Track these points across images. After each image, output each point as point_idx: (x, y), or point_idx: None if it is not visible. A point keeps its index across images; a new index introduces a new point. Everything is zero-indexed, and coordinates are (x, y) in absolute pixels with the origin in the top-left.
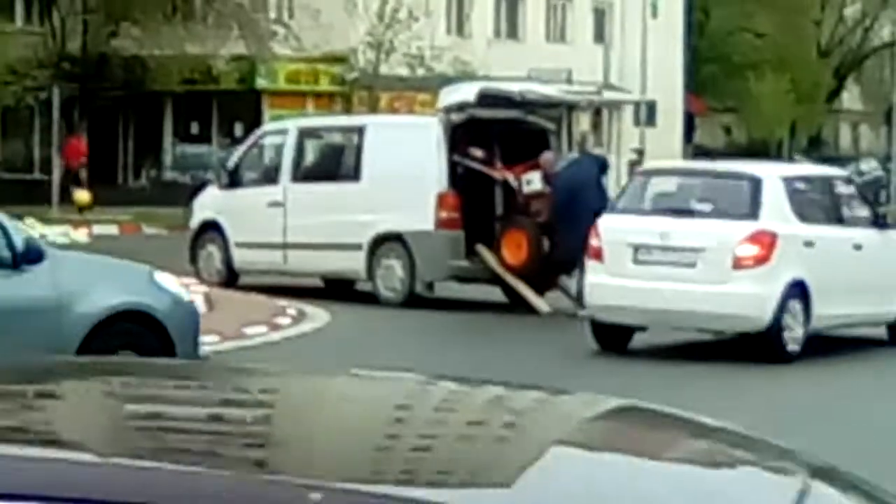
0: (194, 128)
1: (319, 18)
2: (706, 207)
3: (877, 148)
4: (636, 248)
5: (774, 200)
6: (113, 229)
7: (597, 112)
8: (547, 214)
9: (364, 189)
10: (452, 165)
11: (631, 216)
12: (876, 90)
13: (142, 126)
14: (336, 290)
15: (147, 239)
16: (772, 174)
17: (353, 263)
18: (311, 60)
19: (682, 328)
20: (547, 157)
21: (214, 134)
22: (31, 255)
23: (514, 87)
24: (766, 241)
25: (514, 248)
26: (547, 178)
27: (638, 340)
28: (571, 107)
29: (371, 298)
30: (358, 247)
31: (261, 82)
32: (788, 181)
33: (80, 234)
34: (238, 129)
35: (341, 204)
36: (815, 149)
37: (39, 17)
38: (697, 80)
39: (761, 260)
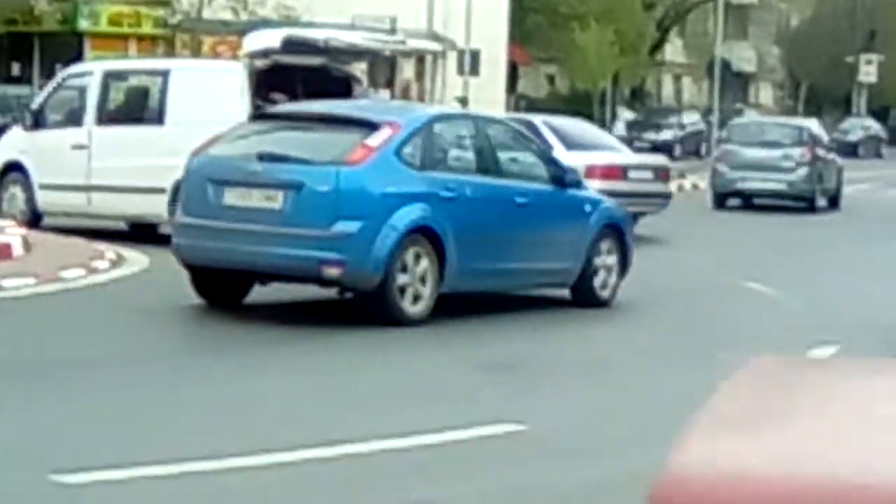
0: (15, 69)
1: None
2: None
3: (698, 100)
4: None
5: None
6: None
7: (420, 60)
8: None
9: (168, 133)
10: (257, 110)
11: None
12: (699, 43)
13: None
14: (147, 233)
15: None
16: None
17: (155, 207)
18: (133, 3)
19: None
20: (360, 90)
21: (36, 75)
22: None
23: (318, 35)
24: None
25: None
26: None
27: None
28: (376, 54)
29: None
30: (161, 190)
31: (83, 24)
32: None
33: None
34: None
35: (145, 147)
36: (638, 100)
37: None
38: (522, 31)
39: None
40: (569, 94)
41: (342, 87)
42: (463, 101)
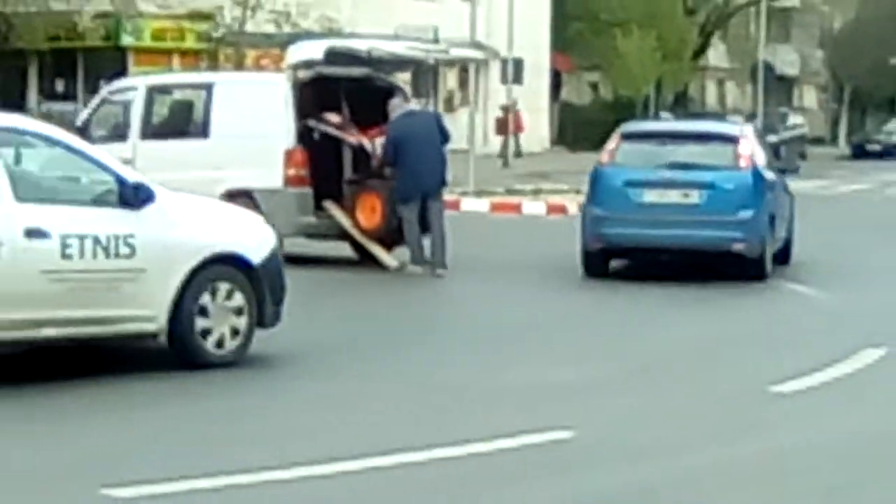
0: (59, 85)
1: None
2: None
3: (742, 105)
4: None
5: None
6: None
7: (464, 69)
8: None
9: (213, 146)
10: (303, 124)
11: None
12: (741, 47)
13: (6, 84)
14: None
15: None
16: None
17: None
18: (176, 17)
19: None
20: (394, 102)
21: (80, 91)
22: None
23: (361, 45)
24: None
25: (369, 212)
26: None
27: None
28: (419, 63)
29: None
30: None
31: (126, 39)
32: None
33: None
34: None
35: (190, 161)
36: (682, 106)
37: None
38: (564, 38)
39: None
40: (612, 100)
41: (386, 97)
42: (506, 109)
